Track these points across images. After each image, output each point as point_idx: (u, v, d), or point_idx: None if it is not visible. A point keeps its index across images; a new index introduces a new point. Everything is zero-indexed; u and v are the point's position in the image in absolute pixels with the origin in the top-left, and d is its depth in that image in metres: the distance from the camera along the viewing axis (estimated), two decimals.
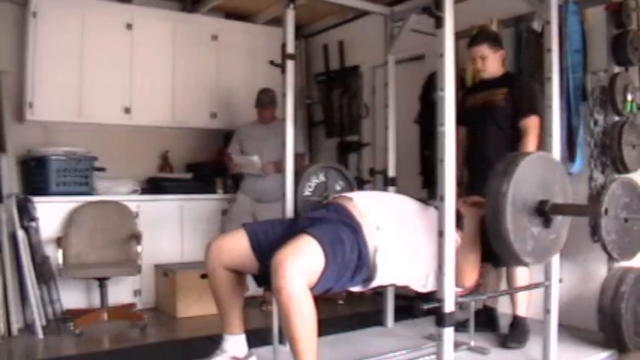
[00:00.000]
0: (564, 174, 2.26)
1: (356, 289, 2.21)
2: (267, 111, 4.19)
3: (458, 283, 2.23)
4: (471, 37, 3.20)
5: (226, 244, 2.29)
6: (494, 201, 1.96)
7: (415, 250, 2.24)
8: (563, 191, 2.18)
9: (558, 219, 2.15)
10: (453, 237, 1.97)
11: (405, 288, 2.32)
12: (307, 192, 2.92)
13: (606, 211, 2.06)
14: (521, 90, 3.06)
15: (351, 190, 2.99)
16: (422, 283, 2.27)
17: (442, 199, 1.95)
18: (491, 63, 3.12)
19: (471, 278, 2.32)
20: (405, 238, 2.24)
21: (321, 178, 2.97)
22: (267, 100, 4.18)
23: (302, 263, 1.93)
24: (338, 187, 2.98)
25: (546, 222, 2.10)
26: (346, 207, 2.27)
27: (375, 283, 2.19)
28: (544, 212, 2.06)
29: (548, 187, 2.11)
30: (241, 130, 4.33)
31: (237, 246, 2.26)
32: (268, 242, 2.20)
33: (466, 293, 2.40)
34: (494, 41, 3.15)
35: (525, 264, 2.11)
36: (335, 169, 3.04)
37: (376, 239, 2.16)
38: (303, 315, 1.89)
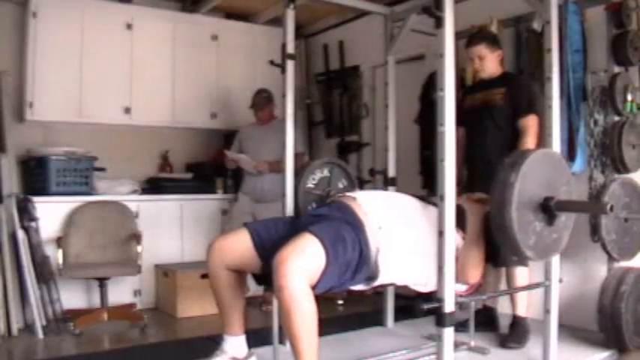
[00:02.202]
0: (569, 173, 2.27)
1: (357, 287, 2.21)
2: (262, 112, 4.19)
3: (462, 280, 2.24)
4: (469, 37, 3.20)
5: (228, 244, 2.29)
6: (501, 192, 1.98)
7: (417, 250, 2.24)
8: (568, 191, 2.19)
9: (562, 219, 2.16)
10: (453, 237, 1.97)
11: (405, 288, 2.32)
12: (310, 184, 2.93)
13: (612, 207, 2.07)
14: (519, 89, 3.06)
15: (354, 188, 2.99)
16: (423, 283, 2.27)
17: (442, 199, 1.95)
18: (489, 63, 3.12)
19: (475, 275, 2.33)
20: (407, 238, 2.24)
21: (325, 173, 2.99)
22: (261, 102, 4.17)
23: (303, 262, 1.93)
24: (340, 185, 2.99)
25: (550, 219, 2.11)
26: (349, 206, 2.27)
27: (376, 283, 2.19)
28: (549, 208, 2.08)
29: (554, 185, 2.13)
30: (241, 130, 4.35)
31: (240, 245, 2.26)
32: (271, 240, 2.20)
33: (471, 292, 2.40)
34: (492, 41, 3.15)
35: (525, 257, 2.12)
36: (339, 166, 3.06)
37: (378, 238, 2.16)
38: (304, 314, 1.89)
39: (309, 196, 2.86)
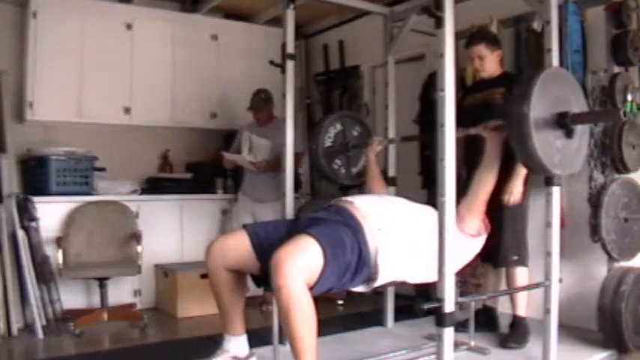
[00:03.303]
0: (578, 86, 2.34)
1: (357, 289, 2.22)
2: (261, 113, 4.17)
3: (473, 205, 2.36)
4: (469, 37, 3.20)
5: (227, 245, 2.30)
6: (518, 123, 2.05)
7: (416, 250, 2.24)
8: (579, 101, 2.26)
9: (578, 128, 2.23)
10: (453, 237, 1.97)
11: (404, 284, 2.33)
12: (328, 143, 3.02)
13: (625, 113, 2.16)
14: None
15: (369, 134, 3.13)
16: (421, 278, 2.28)
17: (442, 198, 1.95)
18: (489, 63, 3.12)
19: (484, 200, 2.40)
20: (407, 240, 2.25)
21: (338, 127, 3.09)
22: (259, 103, 4.15)
23: (301, 262, 1.93)
24: (355, 133, 3.07)
25: (568, 133, 2.18)
26: (348, 209, 2.28)
27: (376, 284, 2.19)
28: (565, 124, 2.15)
29: (565, 100, 2.19)
30: (241, 131, 4.34)
31: (239, 246, 2.26)
32: (269, 242, 2.20)
33: (482, 230, 2.44)
34: (492, 41, 3.15)
35: (556, 175, 2.25)
36: (350, 117, 3.11)
37: (378, 240, 2.17)
38: (303, 313, 1.89)
39: (330, 154, 2.92)
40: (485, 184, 2.40)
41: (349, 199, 2.39)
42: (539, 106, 2.05)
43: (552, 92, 2.15)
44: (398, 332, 3.30)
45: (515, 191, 2.88)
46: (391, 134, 3.38)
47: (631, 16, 3.14)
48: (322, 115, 5.30)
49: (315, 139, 2.96)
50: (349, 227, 2.16)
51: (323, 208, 2.47)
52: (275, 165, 3.79)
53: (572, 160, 2.25)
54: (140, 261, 3.75)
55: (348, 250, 2.08)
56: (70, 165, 3.98)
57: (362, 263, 2.12)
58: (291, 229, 2.25)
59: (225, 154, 4.22)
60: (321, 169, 3.04)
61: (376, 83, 4.85)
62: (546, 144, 2.09)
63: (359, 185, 3.30)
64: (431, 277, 2.20)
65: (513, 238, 2.98)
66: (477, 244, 2.47)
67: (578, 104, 2.23)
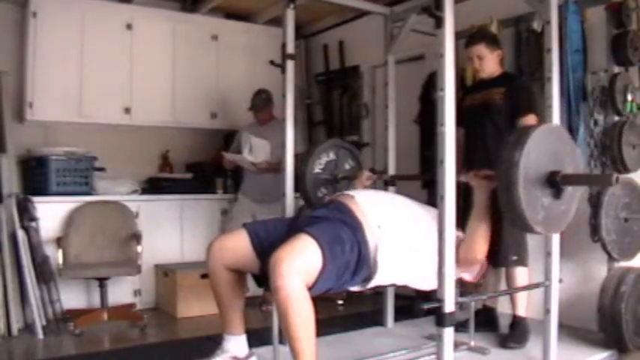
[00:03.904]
0: (574, 146, 2.29)
1: (356, 288, 2.22)
2: (262, 113, 4.18)
3: (470, 256, 2.29)
4: (468, 37, 3.20)
5: (228, 244, 2.30)
6: (507, 171, 2.00)
7: (416, 249, 2.24)
8: (574, 163, 2.21)
9: (568, 191, 2.18)
10: (453, 237, 1.97)
11: (405, 287, 2.32)
12: (317, 169, 2.92)
13: (617, 179, 2.07)
14: (518, 89, 3.06)
15: (360, 169, 3.01)
16: (422, 281, 2.27)
17: (442, 199, 1.95)
18: (489, 63, 3.12)
19: (482, 249, 2.35)
20: (406, 238, 2.25)
21: (332, 156, 3.00)
22: (260, 103, 4.17)
23: (300, 262, 1.93)
24: (347, 167, 2.99)
25: (557, 193, 2.12)
26: (348, 205, 2.27)
27: (375, 283, 2.19)
28: (555, 183, 2.09)
29: (559, 158, 2.14)
30: (241, 131, 4.35)
31: (239, 246, 2.27)
32: (269, 241, 2.21)
33: (478, 278, 2.45)
34: (492, 41, 3.15)
35: (536, 232, 2.14)
36: (344, 147, 3.04)
37: (377, 238, 2.17)
38: (302, 313, 1.89)
39: (317, 181, 2.84)
40: (478, 236, 2.33)
41: (350, 193, 2.39)
42: (532, 156, 2.00)
43: (548, 147, 2.09)
44: (398, 332, 3.30)
45: None
46: (391, 134, 3.38)
47: (631, 16, 3.14)
48: (322, 116, 5.32)
49: (305, 162, 2.88)
50: (349, 225, 2.16)
51: (323, 204, 2.47)
52: (275, 166, 3.80)
53: (556, 221, 2.17)
54: (140, 261, 3.75)
55: (347, 249, 2.07)
56: (70, 165, 3.98)
57: (361, 262, 2.12)
58: (292, 228, 2.25)
59: (225, 154, 4.22)
60: (306, 194, 2.93)
61: (376, 83, 4.85)
62: (533, 198, 2.02)
63: None
64: (431, 278, 2.20)
65: (513, 238, 2.98)
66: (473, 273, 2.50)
67: (572, 166, 2.16)
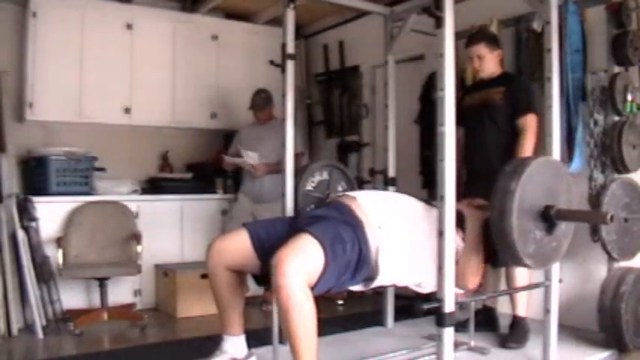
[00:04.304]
0: (570, 180, 2.26)
1: (357, 288, 2.21)
2: (262, 113, 4.19)
3: (460, 286, 2.23)
4: (468, 37, 3.20)
5: (228, 244, 2.29)
6: (502, 199, 1.98)
7: (417, 249, 2.24)
8: (569, 200, 2.19)
9: (561, 228, 2.16)
10: (453, 237, 1.97)
11: (405, 288, 2.32)
12: (309, 187, 2.92)
13: (612, 218, 2.05)
14: (518, 89, 3.07)
15: (353, 191, 2.98)
16: (423, 283, 2.27)
17: (442, 199, 1.95)
18: (489, 63, 3.12)
19: (473, 281, 2.32)
20: (407, 238, 2.24)
21: (325, 176, 2.98)
22: (260, 103, 4.17)
23: (302, 262, 1.93)
24: (339, 188, 2.99)
25: (550, 228, 2.10)
26: (349, 205, 2.27)
27: (376, 283, 2.19)
28: (549, 217, 2.07)
29: (555, 193, 2.12)
30: (240, 131, 4.36)
31: (239, 245, 2.26)
32: (270, 241, 2.20)
33: (468, 295, 2.39)
34: (492, 41, 3.15)
35: (525, 265, 2.12)
36: (338, 169, 3.04)
37: (378, 238, 2.16)
38: (303, 313, 1.89)
39: (308, 198, 2.86)
40: (469, 269, 2.29)
41: (352, 194, 2.38)
42: (528, 187, 1.99)
43: (545, 180, 2.08)
44: (398, 332, 3.30)
45: None
46: (391, 134, 3.38)
47: (631, 16, 3.13)
48: (322, 116, 5.32)
49: (298, 179, 2.88)
50: (349, 224, 2.16)
51: (324, 204, 2.46)
52: (275, 167, 3.80)
53: (547, 257, 2.16)
54: (140, 261, 3.75)
55: (348, 247, 2.07)
56: (70, 165, 3.98)
57: (362, 262, 2.12)
58: (292, 228, 2.25)
59: (225, 157, 4.22)
60: (295, 209, 2.90)
61: (376, 83, 4.84)
62: (525, 229, 2.01)
63: None
64: (431, 279, 2.20)
65: None
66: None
67: (566, 203, 2.15)
